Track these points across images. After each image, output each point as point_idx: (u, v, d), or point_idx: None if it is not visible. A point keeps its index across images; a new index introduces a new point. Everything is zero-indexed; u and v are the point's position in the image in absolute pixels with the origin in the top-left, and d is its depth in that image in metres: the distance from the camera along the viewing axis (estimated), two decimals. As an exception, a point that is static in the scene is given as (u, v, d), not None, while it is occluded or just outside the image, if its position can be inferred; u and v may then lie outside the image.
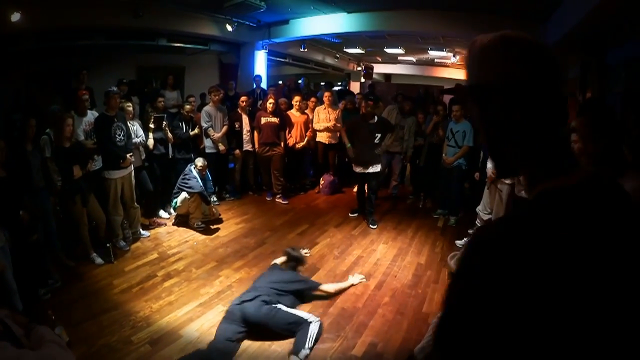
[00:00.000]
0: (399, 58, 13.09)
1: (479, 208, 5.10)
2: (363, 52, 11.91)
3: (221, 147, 6.42)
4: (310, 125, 7.06)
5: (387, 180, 7.49)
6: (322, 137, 7.15)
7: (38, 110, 4.45)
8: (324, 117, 6.98)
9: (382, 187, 7.15)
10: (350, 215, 6.29)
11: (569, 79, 6.57)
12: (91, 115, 4.91)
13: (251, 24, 8.59)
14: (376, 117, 5.87)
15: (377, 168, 5.88)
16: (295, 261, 4.15)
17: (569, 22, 5.16)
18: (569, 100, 1.16)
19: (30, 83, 5.73)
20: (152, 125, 5.55)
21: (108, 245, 4.68)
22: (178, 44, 8.11)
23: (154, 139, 5.61)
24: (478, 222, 5.13)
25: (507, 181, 4.44)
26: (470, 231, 5.35)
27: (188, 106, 6.13)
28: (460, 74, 13.20)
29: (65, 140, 4.21)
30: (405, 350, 3.17)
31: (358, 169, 5.94)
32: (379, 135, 5.79)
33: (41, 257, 3.85)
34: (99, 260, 4.53)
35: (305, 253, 4.65)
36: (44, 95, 5.55)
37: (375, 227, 5.85)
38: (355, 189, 7.27)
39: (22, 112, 4.11)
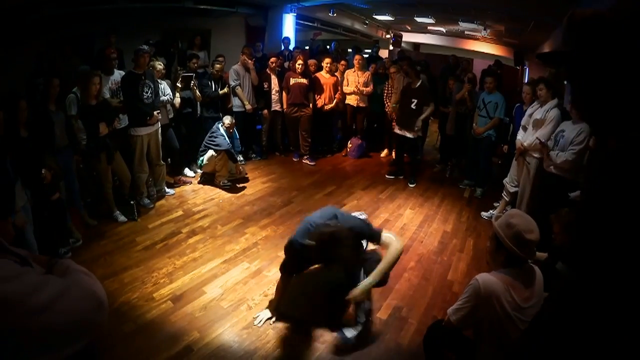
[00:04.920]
0: (429, 28, 12.78)
1: (506, 180, 5.01)
2: (392, 19, 11.65)
3: (248, 106, 6.37)
4: (339, 88, 6.96)
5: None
6: (351, 100, 7.05)
7: (60, 73, 4.39)
8: (353, 80, 6.88)
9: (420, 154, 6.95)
10: (387, 177, 6.42)
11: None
12: (118, 74, 4.84)
13: (279, -14, 8.39)
14: (419, 83, 5.95)
15: (410, 134, 6.01)
16: None
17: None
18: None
19: (52, 48, 5.66)
20: (179, 85, 5.50)
21: (132, 202, 4.69)
22: (204, 6, 7.91)
23: (182, 98, 5.57)
24: (504, 195, 5.04)
25: (536, 155, 4.35)
26: (495, 204, 5.31)
27: (218, 65, 6.07)
28: (490, 48, 12.88)
29: (92, 98, 4.15)
30: (430, 316, 3.19)
31: (396, 129, 6.20)
32: (415, 102, 5.87)
33: (62, 216, 3.83)
34: (122, 218, 4.54)
35: None
36: (66, 60, 5.50)
37: (413, 185, 6.14)
38: (382, 154, 7.59)
39: (44, 76, 4.06)
